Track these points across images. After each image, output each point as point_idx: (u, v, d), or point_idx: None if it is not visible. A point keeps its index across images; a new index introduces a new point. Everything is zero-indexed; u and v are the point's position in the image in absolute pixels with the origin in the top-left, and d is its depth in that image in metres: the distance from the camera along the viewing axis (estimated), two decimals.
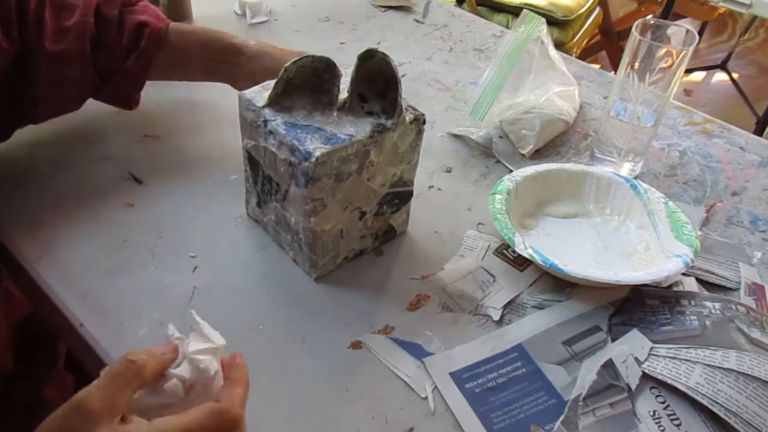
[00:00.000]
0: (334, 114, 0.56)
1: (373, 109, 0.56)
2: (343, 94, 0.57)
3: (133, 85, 0.71)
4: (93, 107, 0.77)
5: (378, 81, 0.56)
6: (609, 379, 0.50)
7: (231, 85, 0.73)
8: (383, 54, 0.54)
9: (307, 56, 0.55)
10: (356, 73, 0.56)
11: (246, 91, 0.57)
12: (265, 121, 0.55)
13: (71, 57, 0.64)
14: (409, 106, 0.57)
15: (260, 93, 0.57)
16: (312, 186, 0.52)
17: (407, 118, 0.56)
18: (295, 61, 0.54)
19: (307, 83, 0.57)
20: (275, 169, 0.56)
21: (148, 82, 0.71)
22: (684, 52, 0.65)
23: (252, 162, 0.60)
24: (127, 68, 0.68)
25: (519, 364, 0.53)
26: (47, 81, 0.64)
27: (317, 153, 0.51)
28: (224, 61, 0.71)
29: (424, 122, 0.58)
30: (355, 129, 0.54)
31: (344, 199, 0.56)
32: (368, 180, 0.56)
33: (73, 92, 0.68)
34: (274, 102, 0.56)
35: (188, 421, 0.37)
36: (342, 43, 0.98)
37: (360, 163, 0.54)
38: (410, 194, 0.62)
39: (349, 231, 0.59)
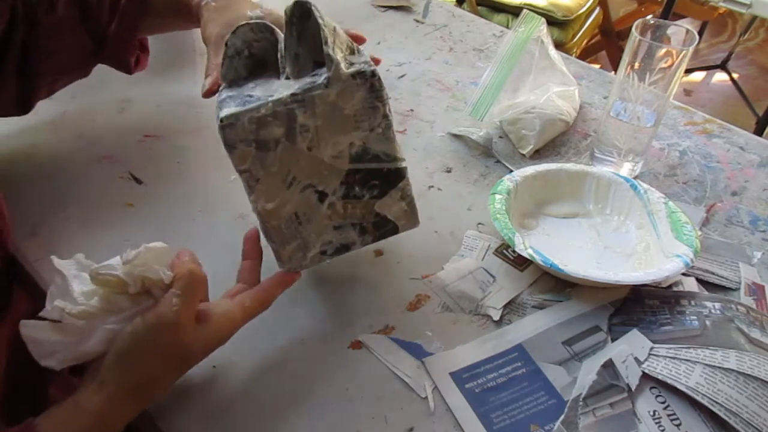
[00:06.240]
0: (283, 80, 0.50)
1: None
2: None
3: (125, 48, 0.69)
4: (93, 107, 0.78)
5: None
6: (609, 379, 0.50)
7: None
8: (308, 3, 0.48)
9: (244, 24, 0.50)
10: (290, 31, 0.49)
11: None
12: (220, 101, 0.50)
13: (63, 25, 0.64)
14: (355, 60, 0.48)
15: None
16: (232, 155, 0.48)
17: (345, 72, 0.47)
18: (234, 32, 0.51)
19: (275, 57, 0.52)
20: None
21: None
22: (684, 52, 0.65)
23: None
24: (113, 32, 0.67)
25: (519, 364, 0.53)
26: (45, 52, 0.64)
27: (222, 115, 0.47)
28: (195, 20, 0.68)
29: (373, 75, 0.47)
30: (287, 91, 0.48)
31: (282, 172, 0.49)
32: (310, 150, 0.49)
33: (72, 60, 0.67)
34: (233, 82, 0.52)
35: None
36: None
37: (287, 127, 0.47)
38: (396, 174, 0.52)
39: (310, 217, 0.51)
